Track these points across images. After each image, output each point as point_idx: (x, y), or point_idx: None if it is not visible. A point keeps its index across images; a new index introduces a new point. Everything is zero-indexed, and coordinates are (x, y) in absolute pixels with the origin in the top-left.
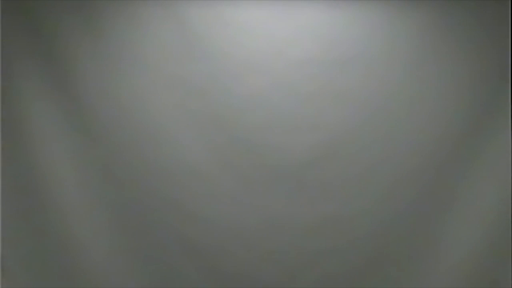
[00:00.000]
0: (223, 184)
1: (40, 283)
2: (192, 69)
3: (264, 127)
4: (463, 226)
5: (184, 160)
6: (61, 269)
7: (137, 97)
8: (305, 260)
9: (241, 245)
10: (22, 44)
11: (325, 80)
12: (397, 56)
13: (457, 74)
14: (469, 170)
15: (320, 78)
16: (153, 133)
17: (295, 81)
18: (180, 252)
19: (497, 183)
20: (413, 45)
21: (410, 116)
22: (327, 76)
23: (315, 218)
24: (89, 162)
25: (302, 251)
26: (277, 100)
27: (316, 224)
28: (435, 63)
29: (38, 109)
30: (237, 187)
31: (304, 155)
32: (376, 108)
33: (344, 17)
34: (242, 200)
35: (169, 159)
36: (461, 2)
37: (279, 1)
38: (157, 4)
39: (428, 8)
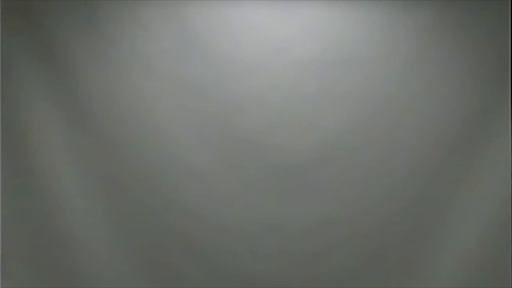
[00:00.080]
0: (223, 184)
1: (40, 283)
2: (192, 69)
3: (264, 127)
4: (463, 226)
5: (184, 160)
6: (61, 269)
7: (137, 97)
8: (305, 260)
9: (241, 245)
10: (22, 44)
11: (325, 80)
12: (397, 56)
13: (457, 74)
14: (469, 170)
15: (320, 78)
16: (153, 133)
17: (295, 81)
18: (180, 252)
19: (497, 183)
20: (413, 45)
21: (410, 116)
22: (327, 76)
23: (315, 218)
24: (89, 162)
25: (302, 251)
26: (277, 100)
27: (316, 224)
28: (435, 63)
29: (38, 109)
30: (237, 187)
31: (304, 155)
32: (376, 108)
33: (344, 17)
34: (242, 200)
35: (169, 159)
36: (461, 2)
37: (279, 1)
38: (157, 4)
39: (428, 8)
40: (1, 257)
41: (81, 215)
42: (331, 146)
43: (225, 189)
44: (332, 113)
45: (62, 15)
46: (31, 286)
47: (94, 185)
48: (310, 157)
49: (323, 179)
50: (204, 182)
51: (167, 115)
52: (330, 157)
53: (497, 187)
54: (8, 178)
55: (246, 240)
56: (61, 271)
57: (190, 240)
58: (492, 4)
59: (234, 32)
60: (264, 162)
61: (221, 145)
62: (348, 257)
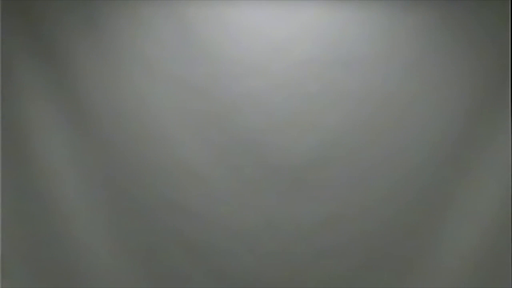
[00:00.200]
0: (223, 184)
1: (40, 283)
2: (192, 69)
3: (264, 127)
4: (463, 226)
5: (184, 160)
6: (61, 269)
7: (137, 97)
8: (305, 260)
9: (241, 245)
10: (22, 44)
11: (326, 80)
12: (397, 56)
13: (457, 74)
14: (469, 170)
15: (320, 78)
16: (153, 133)
17: (295, 81)
18: (180, 252)
19: (497, 183)
20: (413, 45)
21: (410, 116)
22: (327, 76)
23: (315, 218)
24: (89, 162)
25: (302, 251)
26: (277, 100)
27: (316, 224)
28: (435, 63)
29: (38, 109)
30: (237, 187)
31: (304, 155)
32: (376, 108)
33: (345, 17)
34: (242, 200)
35: (169, 159)
36: (461, 2)
37: (279, 1)
38: (157, 4)
39: (428, 8)
40: (1, 257)
41: (81, 215)
42: (331, 145)
43: (225, 188)
44: (332, 113)
45: (62, 15)
46: (31, 286)
47: (94, 185)
48: (310, 157)
49: (323, 179)
50: (204, 182)
51: (167, 115)
52: (330, 156)
53: (497, 187)
54: (8, 179)
55: (246, 239)
56: (61, 271)
57: (190, 240)
58: (492, 4)
59: (234, 32)
60: (264, 162)
61: (220, 144)
62: (348, 256)
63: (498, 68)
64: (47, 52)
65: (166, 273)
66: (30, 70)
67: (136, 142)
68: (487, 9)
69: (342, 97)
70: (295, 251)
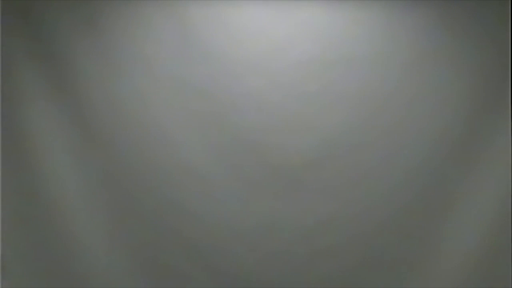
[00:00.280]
0: (223, 184)
1: (40, 283)
2: (192, 69)
3: (264, 127)
4: (463, 226)
5: (184, 160)
6: (61, 269)
7: (138, 97)
8: (305, 260)
9: (241, 245)
10: (22, 44)
11: (325, 80)
12: (397, 56)
13: (457, 74)
14: (469, 170)
15: (320, 78)
16: (153, 133)
17: (295, 81)
18: (180, 252)
19: (497, 183)
20: (413, 45)
21: (409, 116)
22: (327, 76)
23: (315, 218)
24: (89, 162)
25: (302, 251)
26: (277, 100)
27: (316, 224)
28: (435, 63)
29: (38, 109)
30: (237, 186)
31: (304, 155)
32: (376, 108)
33: (344, 17)
34: (242, 199)
35: (170, 159)
36: (461, 2)
37: (279, 1)
38: (157, 4)
39: (428, 8)
40: (1, 257)
41: (81, 215)
42: (331, 145)
43: (225, 188)
44: (332, 113)
45: (62, 15)
46: (31, 286)
47: (94, 185)
48: (309, 157)
49: (322, 179)
50: (204, 182)
51: (167, 115)
52: (329, 156)
53: (497, 187)
54: (8, 178)
55: (246, 239)
56: (61, 271)
57: (190, 239)
58: (492, 4)
59: (234, 32)
60: (264, 162)
61: (220, 144)
62: (348, 256)
63: (498, 68)
64: (47, 52)
65: (166, 273)
66: (30, 70)
67: (136, 142)
68: (487, 9)
69: (342, 97)
70: (295, 251)
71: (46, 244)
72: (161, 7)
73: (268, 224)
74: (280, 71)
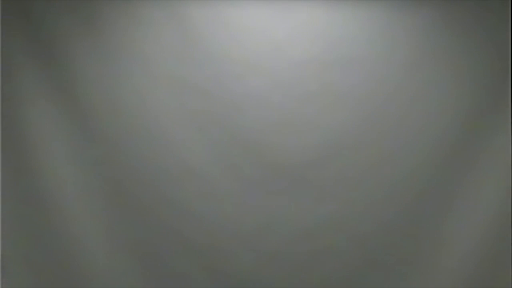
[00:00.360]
0: (223, 183)
1: (40, 283)
2: (192, 69)
3: (264, 127)
4: (463, 226)
5: (184, 159)
6: (61, 269)
7: (137, 97)
8: (305, 260)
9: (241, 245)
10: (22, 44)
11: (325, 80)
12: (397, 56)
13: (457, 74)
14: (469, 170)
15: (320, 78)
16: (153, 133)
17: (295, 80)
18: (180, 252)
19: (497, 183)
20: (412, 45)
21: (409, 116)
22: (327, 76)
23: (315, 218)
24: (89, 162)
25: (302, 251)
26: (277, 100)
27: (316, 224)
28: (435, 63)
29: (38, 110)
30: (237, 186)
31: (304, 155)
32: (375, 108)
33: (344, 17)
34: (241, 200)
35: (170, 159)
36: (461, 2)
37: (279, 1)
38: (157, 4)
39: (427, 8)
40: (1, 257)
41: (81, 215)
42: (331, 145)
43: (224, 188)
44: (332, 113)
45: (62, 15)
46: (31, 286)
47: (94, 185)
48: (309, 156)
49: (322, 178)
50: (204, 181)
51: (167, 114)
52: (330, 156)
53: (497, 187)
54: (8, 179)
55: (246, 239)
56: (61, 271)
57: (189, 239)
58: (492, 4)
59: (234, 32)
60: (264, 161)
61: (221, 144)
62: (347, 256)
63: (498, 68)
64: (47, 52)
65: (165, 273)
66: (30, 71)
67: (136, 142)
68: (487, 9)
69: (342, 97)
70: (295, 251)
71: (46, 244)
72: (161, 7)
73: (267, 224)
74: (280, 71)
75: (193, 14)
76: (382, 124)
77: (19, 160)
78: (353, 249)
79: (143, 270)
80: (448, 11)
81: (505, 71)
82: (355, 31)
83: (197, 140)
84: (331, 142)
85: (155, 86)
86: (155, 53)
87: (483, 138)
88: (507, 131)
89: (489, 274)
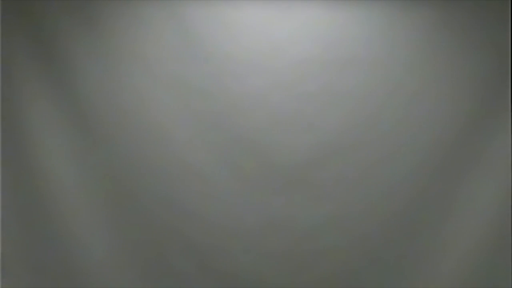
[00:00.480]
0: (222, 183)
1: (40, 283)
2: (192, 69)
3: (264, 126)
4: (462, 226)
5: (184, 159)
6: (61, 269)
7: (137, 97)
8: (305, 260)
9: (241, 245)
10: (22, 44)
11: (325, 80)
12: (397, 56)
13: (457, 74)
14: (469, 170)
15: (319, 78)
16: (153, 133)
17: (295, 80)
18: (180, 252)
19: (497, 183)
20: (412, 45)
21: (409, 116)
22: (326, 76)
23: (314, 218)
24: (89, 162)
25: (301, 251)
26: (277, 100)
27: (315, 224)
28: (435, 63)
29: (38, 109)
30: (236, 186)
31: (304, 155)
32: (375, 108)
33: (344, 17)
34: (241, 199)
35: (169, 159)
36: (461, 2)
37: (279, 1)
38: (157, 4)
39: (428, 8)
40: (1, 257)
41: (81, 214)
42: (331, 145)
43: (224, 188)
44: (332, 113)
45: (62, 15)
46: (31, 286)
47: (93, 185)
48: (309, 156)
49: (322, 178)
50: (204, 181)
51: (167, 114)
52: (329, 156)
53: (497, 187)
54: (8, 178)
55: (245, 239)
56: (61, 271)
57: (189, 239)
58: (492, 4)
59: (234, 31)
60: (264, 161)
61: (220, 144)
62: (348, 256)
63: (498, 68)
64: (47, 52)
65: (165, 272)
66: (30, 70)
67: (136, 142)
68: (487, 9)
69: (342, 97)
70: (295, 251)
71: (46, 244)
72: (161, 7)
73: (267, 224)
74: (280, 71)
75: (193, 14)
76: (381, 124)
77: (19, 160)
78: (353, 249)
79: (143, 270)
80: (448, 11)
81: (505, 71)
82: (355, 31)
83: (197, 140)
84: (331, 142)
85: (155, 85)
86: (155, 53)
87: (483, 138)
88: (507, 131)
89: (489, 274)
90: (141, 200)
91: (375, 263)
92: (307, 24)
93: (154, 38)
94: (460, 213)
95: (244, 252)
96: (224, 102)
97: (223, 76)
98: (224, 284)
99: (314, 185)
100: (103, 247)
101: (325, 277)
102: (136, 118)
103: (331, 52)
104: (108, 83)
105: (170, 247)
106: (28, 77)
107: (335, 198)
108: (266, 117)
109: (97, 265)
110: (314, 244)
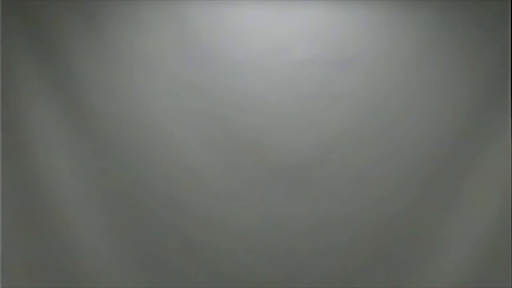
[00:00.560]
0: (222, 183)
1: (40, 283)
2: (192, 68)
3: (264, 127)
4: (462, 226)
5: (184, 159)
6: (61, 268)
7: (137, 97)
8: (305, 260)
9: (241, 245)
10: (22, 44)
11: (325, 80)
12: (397, 56)
13: (457, 74)
14: (469, 170)
15: (320, 78)
16: (153, 133)
17: (295, 81)
18: (180, 252)
19: (497, 183)
20: (413, 45)
21: (409, 116)
22: (326, 76)
23: (315, 218)
24: (89, 162)
25: (302, 251)
26: (277, 100)
27: (315, 224)
28: (435, 63)
29: (38, 109)
30: (236, 186)
31: (304, 154)
32: (375, 108)
33: (344, 17)
34: (241, 199)
35: (169, 159)
36: (461, 2)
37: (279, 1)
38: (157, 4)
39: (428, 8)
40: (1, 257)
41: (81, 214)
42: (331, 145)
43: (224, 188)
44: (332, 113)
45: (62, 15)
46: (31, 286)
47: (93, 185)
48: (309, 156)
49: (322, 178)
50: (204, 181)
51: (167, 115)
52: (329, 156)
53: (497, 187)
54: (8, 178)
55: (245, 239)
56: (61, 271)
57: (190, 239)
58: (492, 4)
59: (234, 32)
60: (264, 161)
61: (220, 144)
62: (348, 256)
63: (498, 68)
64: (47, 52)
65: (165, 272)
66: (30, 70)
67: (136, 142)
68: (487, 9)
69: (342, 97)
70: (295, 251)
71: (46, 244)
72: (161, 7)
73: (267, 223)
74: (280, 71)
75: (193, 14)
76: (382, 123)
77: (19, 160)
78: (353, 248)
79: (143, 270)
80: (448, 11)
81: (505, 71)
82: (355, 31)
83: (197, 140)
84: (331, 141)
85: (155, 85)
86: (155, 53)
87: (483, 138)
88: (507, 131)
89: (489, 274)
90: (141, 199)
91: (375, 263)
92: (307, 24)
93: (154, 38)
94: (460, 213)
95: (244, 252)
96: (224, 102)
97: (223, 76)
98: (224, 284)
99: (314, 184)
100: (103, 247)
101: (326, 277)
102: (136, 118)
103: (331, 52)
104: (108, 82)
105: (170, 247)
106: (28, 77)
107: (335, 197)
108: (266, 117)
109: (97, 265)
110: (314, 244)
